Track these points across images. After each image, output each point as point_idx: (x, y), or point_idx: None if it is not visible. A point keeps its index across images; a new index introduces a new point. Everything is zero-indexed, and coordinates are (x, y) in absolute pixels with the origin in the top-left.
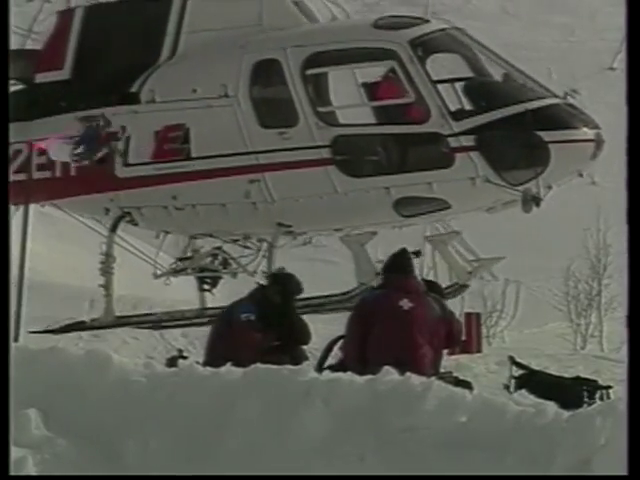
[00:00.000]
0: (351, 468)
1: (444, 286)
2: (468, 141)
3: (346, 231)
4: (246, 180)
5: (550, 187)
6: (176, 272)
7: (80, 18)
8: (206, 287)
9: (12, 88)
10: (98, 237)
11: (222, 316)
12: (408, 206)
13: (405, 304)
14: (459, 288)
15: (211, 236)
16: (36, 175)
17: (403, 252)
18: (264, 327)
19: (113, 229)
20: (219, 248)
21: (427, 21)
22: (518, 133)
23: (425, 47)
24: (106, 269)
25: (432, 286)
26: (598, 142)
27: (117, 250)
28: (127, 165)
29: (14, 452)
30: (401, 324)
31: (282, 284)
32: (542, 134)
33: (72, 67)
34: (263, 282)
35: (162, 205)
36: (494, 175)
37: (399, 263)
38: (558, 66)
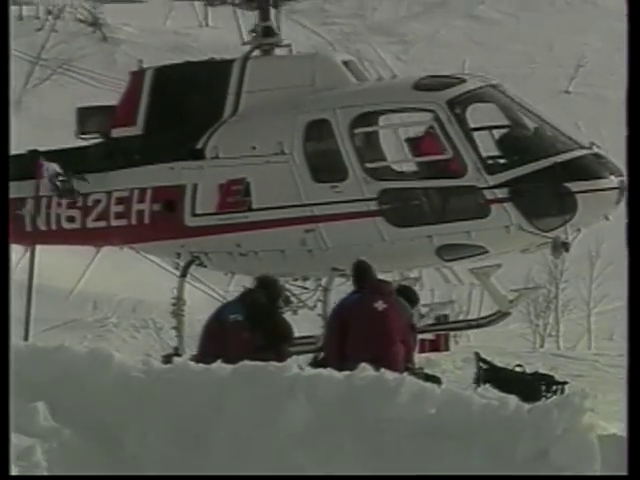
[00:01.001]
0: (331, 456)
1: (488, 314)
2: (502, 193)
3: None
4: (302, 230)
5: (579, 230)
6: None
7: (150, 78)
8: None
9: (92, 141)
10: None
11: (213, 317)
12: (449, 252)
13: (379, 305)
14: (502, 315)
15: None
16: (114, 223)
17: (361, 262)
18: (251, 327)
19: (183, 274)
20: (278, 285)
21: (464, 80)
22: (548, 185)
23: (462, 105)
24: (177, 312)
25: (406, 290)
26: (621, 189)
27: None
28: (195, 215)
29: (23, 441)
30: (376, 324)
31: (267, 288)
32: (570, 185)
33: (144, 123)
34: (250, 286)
35: (227, 251)
36: (526, 223)
37: (364, 270)
38: (519, 90)
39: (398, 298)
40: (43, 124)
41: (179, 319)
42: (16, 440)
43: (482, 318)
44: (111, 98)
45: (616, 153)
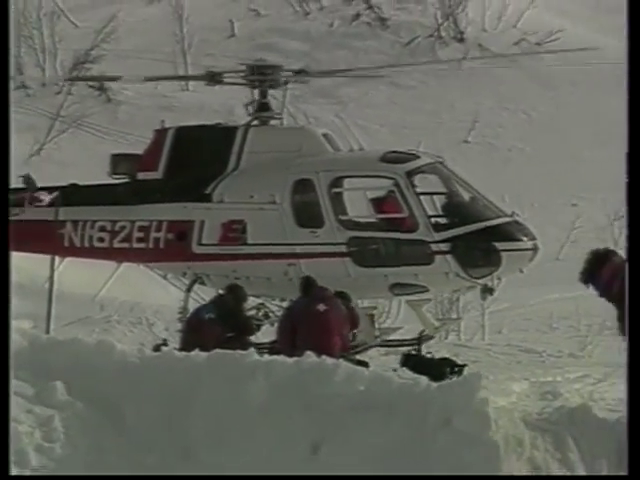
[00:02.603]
0: (284, 422)
1: (417, 336)
2: (444, 247)
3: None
4: (286, 263)
5: (500, 279)
6: None
7: (171, 135)
8: (254, 335)
9: (120, 180)
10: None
11: (192, 315)
12: (399, 288)
13: (321, 307)
14: (428, 337)
15: (257, 297)
16: (135, 245)
17: (308, 277)
18: (222, 323)
19: (188, 290)
20: (262, 304)
21: (419, 157)
22: (480, 243)
23: (417, 175)
24: (182, 318)
25: (343, 294)
26: (535, 250)
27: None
28: (200, 244)
29: (45, 412)
30: (318, 321)
31: (234, 293)
32: (497, 244)
33: (164, 170)
34: (221, 292)
35: (224, 275)
36: (462, 271)
37: (311, 283)
38: (428, 140)
39: (337, 301)
40: (61, 166)
41: (183, 323)
42: (40, 411)
43: (413, 338)
44: (114, 147)
45: (501, 187)
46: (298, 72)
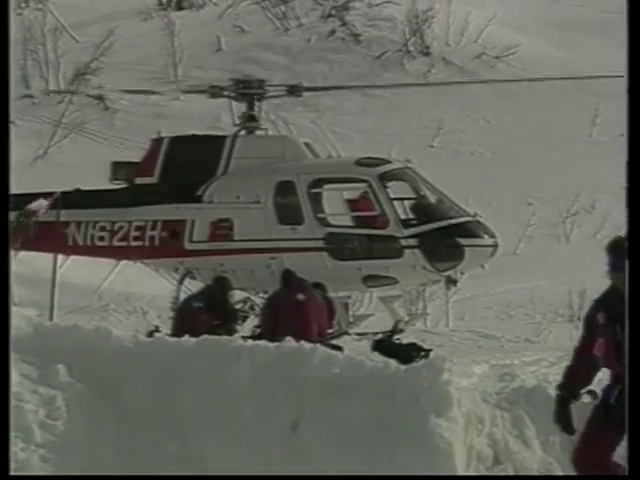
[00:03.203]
0: (266, 402)
1: (390, 329)
2: (413, 242)
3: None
4: (268, 257)
5: (463, 273)
6: None
7: (166, 144)
8: (239, 322)
9: (119, 185)
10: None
11: (182, 304)
12: (371, 280)
13: (300, 297)
14: (399, 330)
15: (243, 290)
16: (132, 243)
17: (287, 269)
18: (209, 312)
19: (180, 282)
20: (248, 298)
21: (390, 162)
22: (445, 239)
23: (388, 178)
24: (174, 307)
25: (319, 285)
26: (495, 246)
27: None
28: (191, 241)
29: (48, 392)
30: (297, 310)
31: (221, 284)
32: (460, 240)
33: (159, 175)
34: (209, 283)
35: (213, 269)
36: (429, 265)
37: (290, 275)
38: (397, 145)
39: (314, 292)
40: (63, 169)
41: (174, 312)
42: (44, 391)
43: (387, 331)
44: (111, 150)
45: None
46: (290, 87)
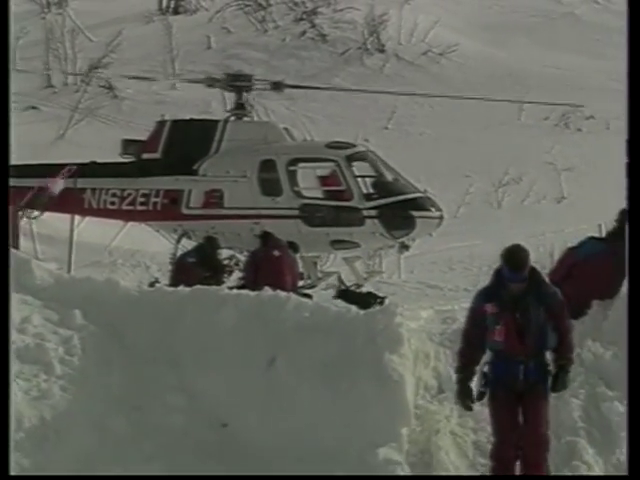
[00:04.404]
0: (249, 338)
1: (352, 283)
2: (373, 213)
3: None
4: (252, 223)
5: (414, 240)
6: None
7: (168, 125)
8: (226, 275)
9: (128, 159)
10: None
11: (178, 259)
12: (337, 244)
13: (276, 253)
14: (358, 286)
15: (230, 248)
16: (138, 208)
17: (265, 231)
18: (201, 266)
19: (178, 241)
20: (234, 255)
21: (355, 145)
22: (400, 211)
23: (353, 159)
24: (171, 262)
25: (293, 244)
26: (441, 218)
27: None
28: (188, 207)
29: (67, 333)
30: (274, 264)
31: (211, 243)
32: (412, 212)
33: (162, 151)
34: (201, 242)
35: (205, 230)
36: (386, 232)
37: (268, 235)
38: (358, 127)
39: (288, 249)
40: (79, 147)
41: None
42: (63, 332)
43: (353, 284)
44: (119, 131)
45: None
46: (273, 83)
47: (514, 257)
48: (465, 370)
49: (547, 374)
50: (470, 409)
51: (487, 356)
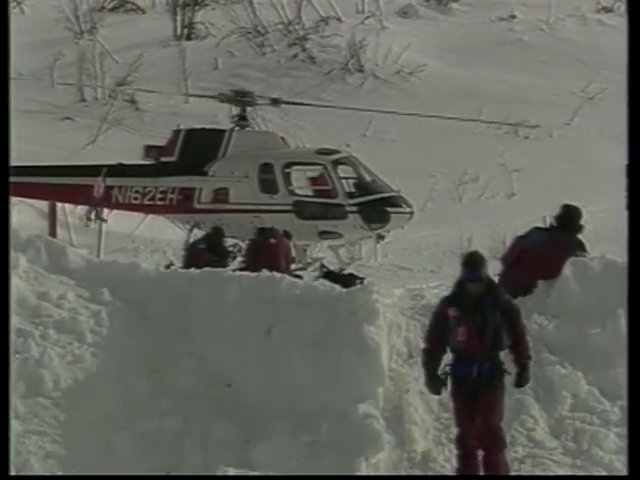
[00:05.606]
0: (249, 312)
1: (336, 268)
2: (355, 209)
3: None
4: (253, 216)
5: (389, 232)
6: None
7: (183, 133)
8: (230, 259)
9: (149, 162)
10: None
11: (189, 246)
12: (324, 235)
13: (272, 241)
14: (341, 270)
15: (234, 237)
16: (158, 202)
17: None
18: (209, 251)
19: (190, 231)
20: (237, 243)
21: (340, 152)
22: (377, 207)
23: (338, 163)
24: (184, 248)
25: (287, 233)
26: (411, 213)
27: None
28: (199, 203)
29: (96, 307)
30: (270, 250)
31: (218, 232)
32: (388, 209)
33: (177, 155)
34: (209, 232)
35: (213, 222)
36: (365, 225)
37: (264, 227)
38: (341, 135)
39: (283, 237)
40: (107, 152)
41: (185, 251)
42: (93, 307)
43: (338, 268)
44: (141, 139)
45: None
46: (272, 100)
47: (472, 259)
48: (431, 363)
49: (502, 372)
50: (439, 393)
51: (448, 358)
